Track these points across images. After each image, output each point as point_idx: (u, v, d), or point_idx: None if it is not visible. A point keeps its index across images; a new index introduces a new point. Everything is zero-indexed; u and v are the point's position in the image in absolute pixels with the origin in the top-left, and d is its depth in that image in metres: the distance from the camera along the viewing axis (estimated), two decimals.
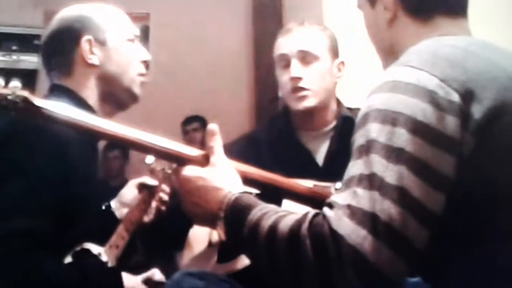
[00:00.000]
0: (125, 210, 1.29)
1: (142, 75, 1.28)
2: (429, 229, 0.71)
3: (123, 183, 1.50)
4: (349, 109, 1.49)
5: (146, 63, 1.29)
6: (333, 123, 1.47)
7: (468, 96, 0.75)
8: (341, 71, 1.47)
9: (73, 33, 1.23)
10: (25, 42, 3.36)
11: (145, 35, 3.86)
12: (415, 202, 0.70)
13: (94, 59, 1.23)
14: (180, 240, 1.44)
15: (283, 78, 1.43)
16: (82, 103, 1.20)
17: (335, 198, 0.73)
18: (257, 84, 4.01)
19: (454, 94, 0.75)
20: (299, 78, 1.40)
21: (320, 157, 1.44)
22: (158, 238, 1.41)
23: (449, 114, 0.74)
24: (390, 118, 0.74)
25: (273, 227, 0.75)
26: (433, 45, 0.85)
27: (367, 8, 0.96)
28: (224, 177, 0.88)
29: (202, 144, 3.75)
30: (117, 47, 1.24)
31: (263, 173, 0.97)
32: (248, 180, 0.91)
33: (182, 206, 0.91)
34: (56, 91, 1.23)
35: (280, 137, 1.47)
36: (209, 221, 0.88)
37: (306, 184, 1.12)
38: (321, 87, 1.42)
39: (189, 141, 3.73)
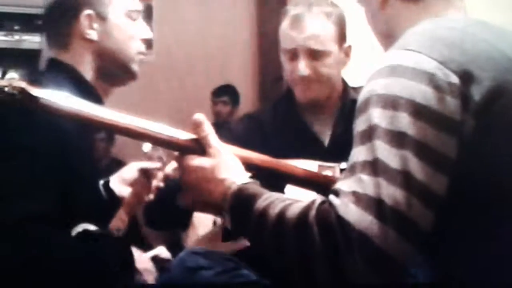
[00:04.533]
0: (123, 188, 1.28)
1: (141, 53, 1.25)
2: (434, 211, 0.72)
3: (111, 162, 1.49)
4: (354, 88, 1.48)
5: (147, 41, 1.26)
6: (338, 104, 1.47)
7: (467, 77, 0.75)
8: (349, 56, 1.46)
9: (73, 5, 1.20)
10: (27, 22, 3.33)
11: (148, 14, 3.82)
12: (419, 185, 0.71)
13: (92, 35, 1.20)
14: (186, 220, 1.45)
15: (289, 68, 1.41)
16: (78, 79, 1.19)
17: (340, 185, 0.74)
18: (261, 63, 3.99)
19: (453, 76, 0.75)
20: (307, 76, 1.38)
21: (325, 137, 1.44)
22: (164, 218, 1.41)
23: (449, 96, 0.74)
24: (391, 103, 0.74)
25: (280, 217, 0.76)
26: (431, 27, 0.85)
27: (362, 2, 0.97)
28: (226, 167, 0.87)
29: (228, 118, 3.68)
30: (118, 23, 1.21)
31: (264, 158, 0.96)
32: (248, 166, 0.91)
33: (183, 194, 0.90)
34: (53, 66, 1.21)
35: (285, 118, 1.47)
36: (213, 210, 0.88)
37: (311, 165, 1.12)
38: (329, 79, 1.41)
39: (215, 113, 3.73)
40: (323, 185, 0.96)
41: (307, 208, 0.74)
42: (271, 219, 0.77)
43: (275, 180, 0.95)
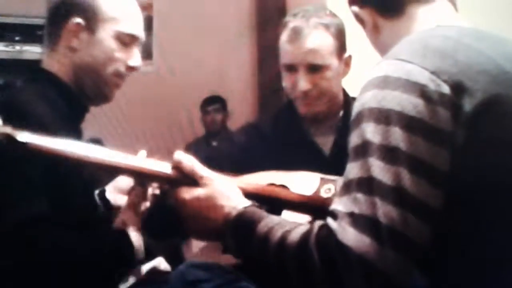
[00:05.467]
0: (119, 197, 1.27)
1: (120, 77, 1.22)
2: (430, 225, 0.72)
3: None
4: (354, 98, 1.48)
5: (132, 69, 1.23)
6: (339, 114, 1.46)
7: (458, 88, 0.75)
8: (349, 66, 1.45)
9: (66, 10, 1.20)
10: (28, 33, 3.34)
11: (148, 26, 3.84)
12: (414, 201, 0.71)
13: (76, 43, 1.19)
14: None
15: (290, 82, 1.41)
16: (59, 86, 1.18)
17: (337, 205, 0.73)
18: (260, 73, 4.00)
19: (444, 86, 0.75)
20: (308, 91, 1.38)
21: (326, 148, 1.44)
22: (163, 228, 1.40)
23: (440, 107, 0.74)
24: (383, 117, 0.74)
25: (281, 244, 0.76)
26: (424, 36, 0.85)
27: (364, 30, 0.99)
28: (223, 193, 0.87)
29: (223, 126, 3.67)
30: (103, 41, 1.19)
31: (257, 186, 0.97)
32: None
33: (184, 227, 0.90)
34: (37, 75, 1.21)
35: (286, 129, 1.46)
36: (214, 238, 0.88)
37: (313, 177, 1.11)
38: (329, 92, 1.41)
39: (211, 122, 3.74)
40: (319, 209, 0.96)
41: (307, 234, 0.74)
42: (273, 246, 0.77)
43: (269, 206, 0.94)
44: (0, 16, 3.48)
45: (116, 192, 1.28)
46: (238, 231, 0.82)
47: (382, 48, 0.95)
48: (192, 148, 3.71)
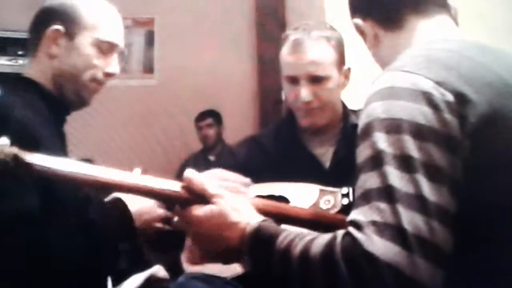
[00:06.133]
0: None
1: (97, 82, 1.24)
2: (452, 231, 0.71)
3: None
4: (353, 111, 1.49)
5: (109, 75, 1.25)
6: (339, 126, 1.48)
7: (463, 99, 0.76)
8: (348, 78, 1.47)
9: (48, 16, 1.22)
10: None
11: (149, 40, 3.87)
12: (436, 207, 0.70)
13: (55, 50, 1.20)
14: (181, 242, 1.44)
15: (291, 93, 1.42)
16: (42, 93, 1.19)
17: (358, 215, 0.72)
18: (260, 87, 4.02)
19: (449, 95, 0.75)
20: (310, 102, 1.40)
21: (326, 160, 1.44)
22: (163, 239, 1.40)
23: (448, 115, 0.74)
24: (394, 127, 0.74)
25: (304, 256, 0.74)
26: (426, 49, 0.86)
27: (364, 42, 1.00)
28: (236, 210, 0.85)
29: (217, 140, 3.66)
30: (81, 47, 1.21)
31: (267, 202, 0.96)
32: None
33: (197, 248, 0.89)
34: (20, 83, 1.22)
35: (286, 141, 1.47)
36: (232, 257, 0.86)
37: (313, 189, 1.12)
38: (330, 103, 1.43)
39: (204, 137, 3.74)
40: (328, 226, 0.93)
41: (331, 245, 0.72)
42: (295, 259, 0.75)
43: (279, 223, 0.92)
44: (3, 30, 3.50)
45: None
46: (255, 247, 0.81)
47: (382, 60, 0.97)
48: (190, 162, 3.71)
